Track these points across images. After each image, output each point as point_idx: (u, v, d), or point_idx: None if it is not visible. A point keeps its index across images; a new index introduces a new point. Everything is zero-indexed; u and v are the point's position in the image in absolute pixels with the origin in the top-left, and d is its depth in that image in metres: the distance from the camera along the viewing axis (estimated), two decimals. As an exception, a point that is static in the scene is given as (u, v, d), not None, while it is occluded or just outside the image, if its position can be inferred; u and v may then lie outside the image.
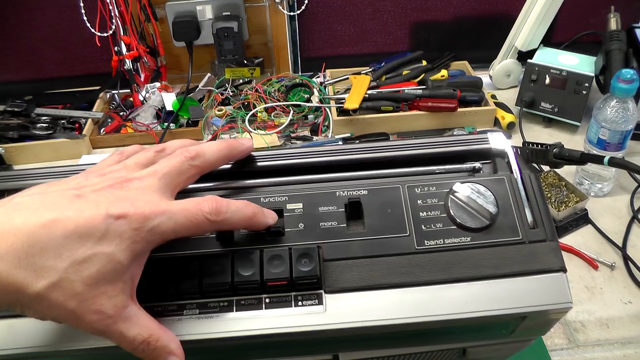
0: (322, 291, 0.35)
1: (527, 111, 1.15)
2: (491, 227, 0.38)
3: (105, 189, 0.32)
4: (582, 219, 0.92)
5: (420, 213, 0.39)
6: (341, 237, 0.38)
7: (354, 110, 1.08)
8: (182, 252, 0.37)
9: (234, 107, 1.14)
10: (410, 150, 0.44)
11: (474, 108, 1.12)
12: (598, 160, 0.75)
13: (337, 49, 1.33)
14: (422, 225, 0.38)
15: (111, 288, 0.31)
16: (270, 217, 0.37)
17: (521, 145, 0.90)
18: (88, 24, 1.19)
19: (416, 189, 0.40)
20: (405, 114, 1.10)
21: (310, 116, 1.13)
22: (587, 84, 1.08)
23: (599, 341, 0.74)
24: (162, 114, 1.16)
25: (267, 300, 0.35)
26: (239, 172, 0.42)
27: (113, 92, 1.23)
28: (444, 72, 1.18)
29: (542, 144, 0.85)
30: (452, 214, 0.39)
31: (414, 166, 0.43)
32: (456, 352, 0.45)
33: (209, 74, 1.24)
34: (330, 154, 0.43)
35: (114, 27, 1.17)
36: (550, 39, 1.23)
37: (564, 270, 0.37)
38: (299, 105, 1.13)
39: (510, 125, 1.12)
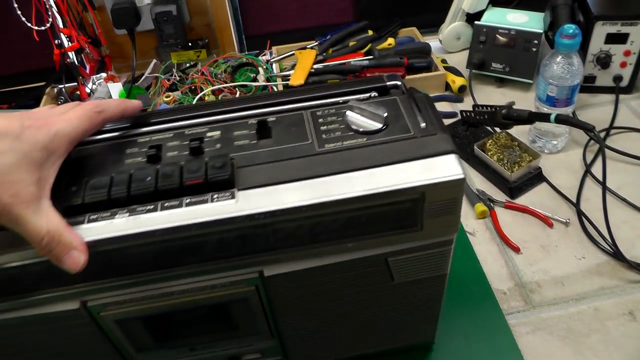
0: (234, 189, 0.48)
1: (478, 73, 1.30)
2: (384, 130, 0.52)
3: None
4: (536, 177, 1.04)
5: (321, 127, 0.54)
6: (252, 149, 0.52)
7: (300, 86, 1.21)
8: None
9: (181, 92, 1.27)
10: (319, 92, 0.59)
11: (423, 74, 1.27)
12: (545, 118, 0.87)
13: (281, 24, 1.49)
14: (323, 135, 0.53)
15: (26, 177, 0.43)
16: (135, 102, 0.57)
17: (471, 109, 1.04)
18: (23, 18, 1.29)
19: (317, 112, 0.56)
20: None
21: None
22: (536, 41, 1.22)
23: (554, 300, 0.84)
24: (107, 104, 1.28)
25: (187, 200, 0.48)
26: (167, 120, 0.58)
27: (59, 86, 1.35)
28: (390, 41, 1.32)
29: (491, 106, 0.97)
30: (349, 121, 0.53)
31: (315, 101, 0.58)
32: (379, 265, 0.56)
33: (154, 61, 1.37)
34: (247, 102, 0.58)
35: (50, 19, 1.28)
36: (498, -1, 1.37)
37: (454, 152, 0.50)
38: (246, 86, 1.27)
39: (462, 89, 1.26)
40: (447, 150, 0.50)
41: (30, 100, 1.34)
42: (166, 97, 1.28)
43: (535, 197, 1.02)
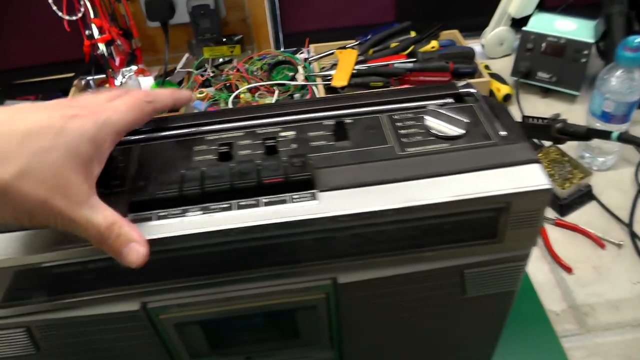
0: (315, 190, 0.46)
1: (523, 82, 1.27)
2: (465, 136, 0.51)
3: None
4: (586, 195, 1.01)
5: (400, 131, 0.52)
6: (330, 151, 0.50)
7: (342, 88, 1.19)
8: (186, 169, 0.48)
9: (215, 89, 1.25)
10: (389, 97, 0.57)
11: (467, 81, 1.23)
12: (605, 136, 0.81)
13: (320, 22, 1.46)
14: (402, 139, 0.51)
15: (75, 177, 0.39)
16: (186, 92, 0.54)
17: (520, 120, 1.01)
18: (55, 7, 1.27)
19: (394, 116, 0.54)
20: (395, 90, 1.21)
21: (296, 95, 1.25)
22: (586, 52, 1.18)
23: (609, 325, 0.81)
24: (139, 98, 1.26)
25: (265, 201, 0.46)
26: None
27: (88, 78, 1.34)
28: (434, 43, 1.30)
29: (543, 118, 0.93)
30: (429, 126, 0.51)
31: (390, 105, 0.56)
32: (454, 277, 0.54)
33: (187, 55, 1.35)
34: (318, 103, 0.56)
35: (82, 9, 1.27)
36: (545, 3, 1.31)
37: (538, 162, 0.48)
38: (284, 84, 1.25)
39: (507, 97, 1.24)
40: (531, 159, 0.48)
41: (58, 92, 1.33)
42: (199, 93, 1.26)
43: (584, 216, 0.99)
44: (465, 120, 0.51)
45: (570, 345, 0.79)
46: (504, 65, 1.34)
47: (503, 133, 0.51)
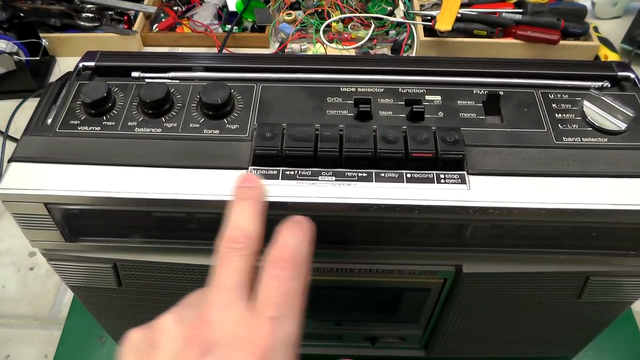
0: (464, 172, 0.42)
1: (637, 52, 1.16)
2: (627, 132, 0.46)
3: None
4: None
5: (556, 114, 0.47)
6: (480, 127, 0.46)
7: (444, 33, 1.11)
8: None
9: (305, 13, 1.19)
10: (541, 70, 0.51)
11: (574, 42, 1.15)
12: None
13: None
14: (559, 125, 0.46)
15: None
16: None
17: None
18: None
19: (550, 95, 0.49)
20: (499, 41, 1.14)
21: (392, 32, 1.18)
22: None
23: None
24: (223, 15, 1.21)
25: (409, 175, 0.42)
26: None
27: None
28: (545, -5, 1.20)
29: None
30: (588, 117, 0.46)
31: (542, 79, 0.50)
32: (576, 282, 0.51)
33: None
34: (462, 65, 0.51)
35: None
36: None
37: None
38: (381, 19, 1.18)
39: (617, 64, 1.14)
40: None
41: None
42: (287, 15, 1.20)
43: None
44: (629, 113, 0.45)
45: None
46: (611, 29, 1.23)
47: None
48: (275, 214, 0.39)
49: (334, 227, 0.44)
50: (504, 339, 0.62)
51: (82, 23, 1.19)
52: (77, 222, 0.46)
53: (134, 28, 1.18)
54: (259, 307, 0.34)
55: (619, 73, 0.51)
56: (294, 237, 0.37)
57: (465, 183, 0.42)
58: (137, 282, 0.52)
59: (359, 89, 0.48)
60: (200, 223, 0.44)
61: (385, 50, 1.16)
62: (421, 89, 0.48)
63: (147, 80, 0.49)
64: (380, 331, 0.61)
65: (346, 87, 0.48)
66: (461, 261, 0.48)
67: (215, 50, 1.17)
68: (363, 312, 0.57)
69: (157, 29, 1.21)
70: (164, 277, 0.51)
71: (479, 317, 0.56)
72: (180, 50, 1.20)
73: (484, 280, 0.49)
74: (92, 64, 0.51)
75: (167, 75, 0.50)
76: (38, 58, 1.10)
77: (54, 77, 1.15)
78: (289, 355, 0.34)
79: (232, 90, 0.46)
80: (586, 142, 0.45)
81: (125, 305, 0.56)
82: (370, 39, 1.16)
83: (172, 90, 0.47)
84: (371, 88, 0.48)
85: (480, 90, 0.48)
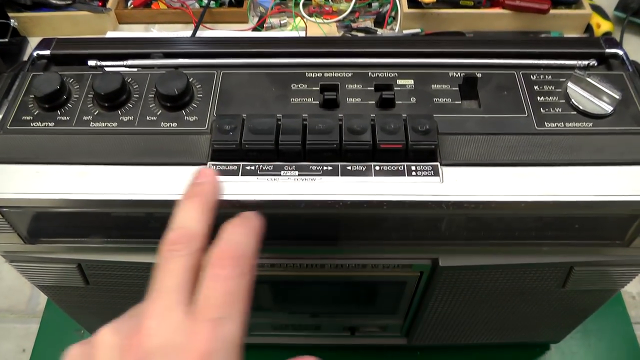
0: (437, 163, 0.40)
1: (633, 20, 1.13)
2: (613, 115, 0.43)
3: None
4: None
5: (538, 97, 0.44)
6: (456, 113, 0.43)
7: (428, 3, 1.08)
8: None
9: (285, -15, 1.15)
10: (522, 48, 0.48)
11: (565, 10, 1.11)
12: None
13: None
14: (541, 109, 0.43)
15: None
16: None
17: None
18: None
19: (531, 76, 0.45)
20: (486, 12, 1.10)
21: (375, 4, 1.14)
22: None
23: None
24: (200, -11, 1.17)
25: (377, 168, 0.39)
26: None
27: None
28: (534, -40, 1.16)
29: None
30: (572, 99, 0.43)
31: (524, 59, 0.47)
32: (560, 272, 0.49)
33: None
34: (434, 43, 0.48)
35: None
36: None
37: None
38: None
39: (606, 36, 1.12)
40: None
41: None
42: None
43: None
44: (615, 95, 0.42)
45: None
46: (604, -3, 1.20)
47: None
48: (233, 213, 0.37)
49: (299, 223, 0.42)
50: (487, 326, 0.60)
51: (54, 1, 1.14)
52: (34, 224, 0.43)
53: (108, 5, 1.13)
54: (199, 310, 0.32)
55: (607, 50, 0.48)
56: (237, 233, 0.35)
57: (438, 175, 0.39)
58: (105, 280, 0.50)
59: (325, 74, 0.45)
60: (160, 222, 0.42)
61: (368, 23, 1.13)
62: (393, 72, 0.45)
63: (105, 69, 0.46)
64: (358, 321, 0.59)
65: (312, 73, 0.45)
66: (437, 254, 0.46)
67: (192, 26, 1.14)
68: (339, 304, 0.55)
69: (132, 6, 1.17)
70: (130, 276, 0.49)
71: (460, 307, 0.54)
72: (157, 27, 1.16)
73: (463, 273, 0.47)
74: (47, 52, 0.48)
75: (124, 63, 0.47)
76: (6, 40, 1.06)
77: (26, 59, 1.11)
78: (232, 357, 0.32)
79: (190, 79, 0.43)
80: (570, 127, 0.42)
81: (95, 302, 0.55)
82: (352, 12, 1.13)
83: (128, 80, 0.44)
84: (339, 73, 0.45)
85: (457, 73, 0.45)
